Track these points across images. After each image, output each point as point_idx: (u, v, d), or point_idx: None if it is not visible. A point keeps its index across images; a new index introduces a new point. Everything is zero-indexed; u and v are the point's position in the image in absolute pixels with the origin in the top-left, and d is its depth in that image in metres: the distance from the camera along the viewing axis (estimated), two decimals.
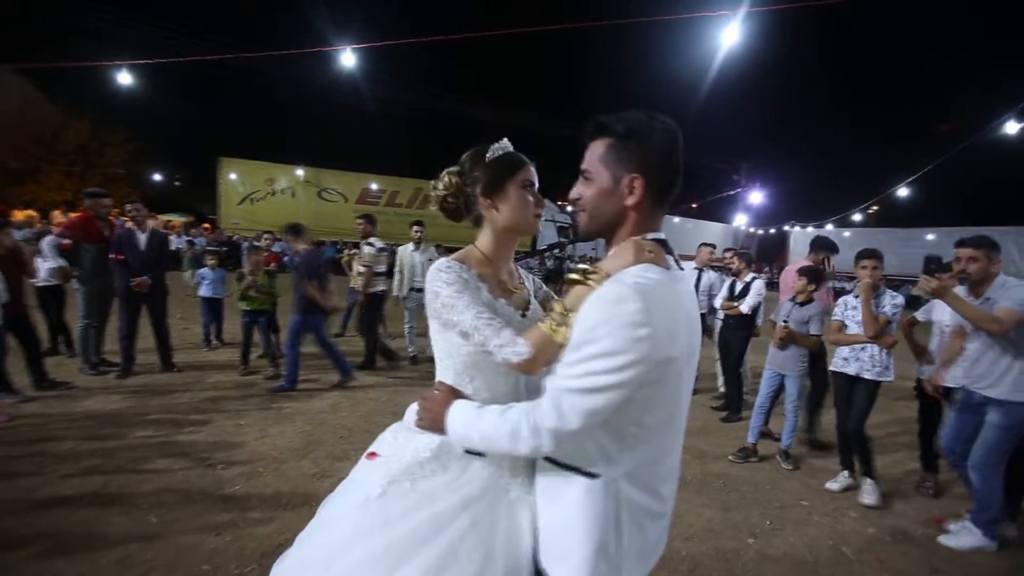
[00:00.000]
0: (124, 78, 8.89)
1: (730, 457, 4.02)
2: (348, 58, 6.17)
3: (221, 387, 4.97)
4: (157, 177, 29.95)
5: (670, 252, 1.09)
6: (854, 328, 3.52)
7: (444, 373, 1.21)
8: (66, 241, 4.87)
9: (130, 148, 25.58)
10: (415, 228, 6.50)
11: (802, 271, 4.03)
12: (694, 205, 29.45)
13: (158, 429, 3.82)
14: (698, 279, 5.77)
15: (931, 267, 2.74)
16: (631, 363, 0.91)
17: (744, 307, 5.00)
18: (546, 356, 1.02)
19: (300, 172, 24.23)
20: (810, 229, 25.70)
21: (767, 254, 29.07)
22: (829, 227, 25.25)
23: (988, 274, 2.77)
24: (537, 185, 1.26)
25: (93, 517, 2.62)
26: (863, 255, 3.48)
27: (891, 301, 3.41)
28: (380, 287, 5.99)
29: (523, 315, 1.26)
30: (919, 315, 3.72)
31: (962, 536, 2.89)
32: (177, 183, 34.41)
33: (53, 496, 2.80)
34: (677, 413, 1.07)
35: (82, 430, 3.70)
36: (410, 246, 6.45)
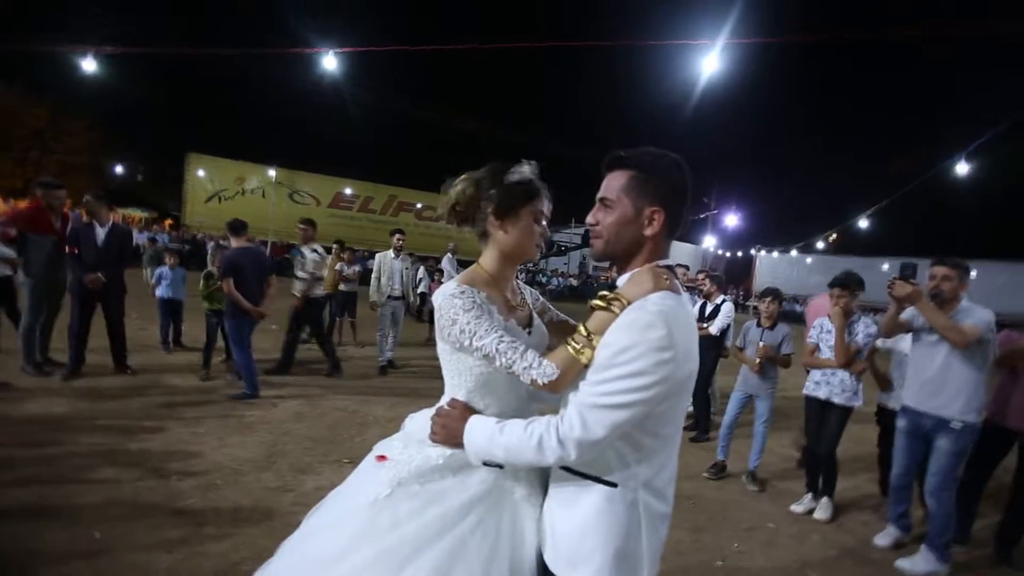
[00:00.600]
0: (88, 64, 8.50)
1: (704, 474, 4.09)
2: (330, 61, 6.09)
3: (178, 392, 4.73)
4: (119, 169, 28.73)
5: (676, 277, 1.18)
6: (827, 352, 3.61)
7: (455, 391, 1.25)
8: (13, 232, 4.56)
9: (91, 136, 24.53)
10: (397, 236, 6.58)
11: (764, 293, 4.18)
12: None
13: (106, 436, 3.58)
14: None
15: (907, 273, 2.84)
16: (655, 383, 1.01)
17: (714, 328, 5.11)
18: (571, 376, 1.11)
19: (272, 173, 23.65)
20: (775, 254, 26.65)
21: (734, 276, 29.96)
22: (793, 253, 26.26)
23: (956, 295, 2.91)
24: (548, 217, 1.29)
25: (29, 532, 2.41)
26: (832, 283, 3.60)
27: (864, 330, 3.50)
28: (319, 292, 5.93)
29: (528, 332, 1.31)
30: (880, 343, 3.86)
31: (917, 560, 2.98)
32: (140, 177, 33.10)
33: None
34: (681, 423, 1.18)
35: (20, 435, 3.44)
36: (391, 253, 6.46)
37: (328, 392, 5.27)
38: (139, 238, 15.03)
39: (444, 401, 1.27)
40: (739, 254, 27.30)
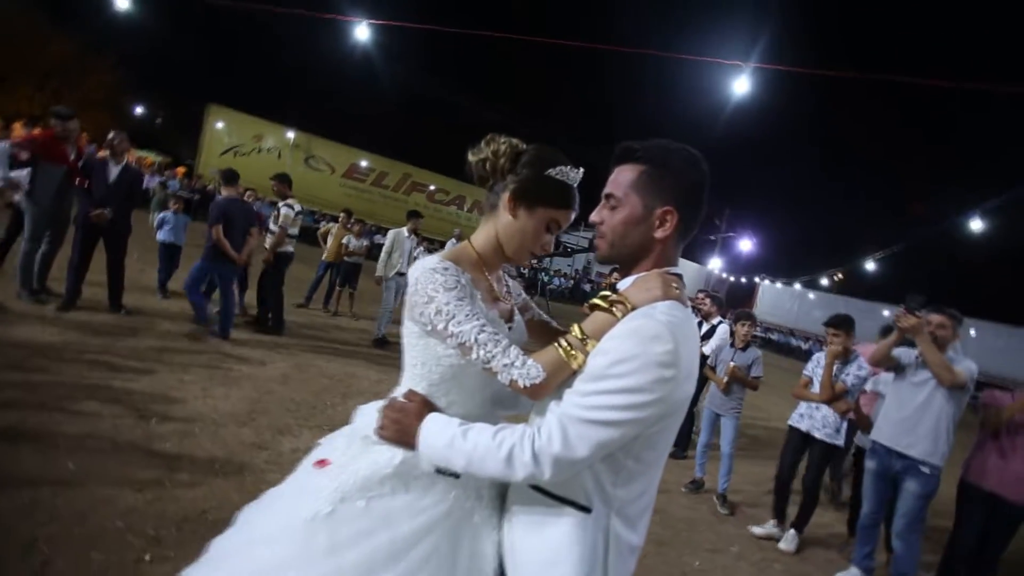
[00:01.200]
0: (122, 2, 8.48)
1: (682, 488, 4.17)
2: (362, 31, 6.05)
3: (169, 337, 4.74)
4: (139, 111, 28.68)
5: (684, 287, 1.07)
6: (818, 387, 3.65)
7: (415, 382, 1.10)
8: (24, 155, 4.54)
9: (115, 75, 24.47)
10: (416, 220, 6.77)
11: (739, 316, 4.32)
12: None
13: (92, 370, 3.60)
14: None
15: (913, 306, 2.89)
16: (652, 402, 0.89)
17: (707, 348, 5.12)
18: (556, 382, 0.97)
19: (291, 135, 23.61)
20: (779, 285, 26.63)
21: (734, 302, 29.95)
22: (797, 286, 26.24)
23: (947, 344, 3.01)
24: (561, 229, 1.16)
25: (4, 452, 2.43)
26: (828, 323, 3.66)
27: (856, 371, 3.53)
28: (289, 248, 5.90)
29: (509, 327, 1.17)
30: (868, 387, 3.91)
31: None
32: (159, 121, 33.03)
33: None
34: (668, 449, 1.04)
35: (6, 358, 3.45)
36: (404, 231, 6.57)
37: (317, 358, 5.28)
38: (150, 181, 15.03)
39: (399, 392, 1.11)
40: (743, 280, 27.30)
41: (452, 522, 1.03)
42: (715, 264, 30.98)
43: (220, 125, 22.85)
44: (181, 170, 22.12)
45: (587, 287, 27.29)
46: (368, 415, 1.12)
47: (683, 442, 5.21)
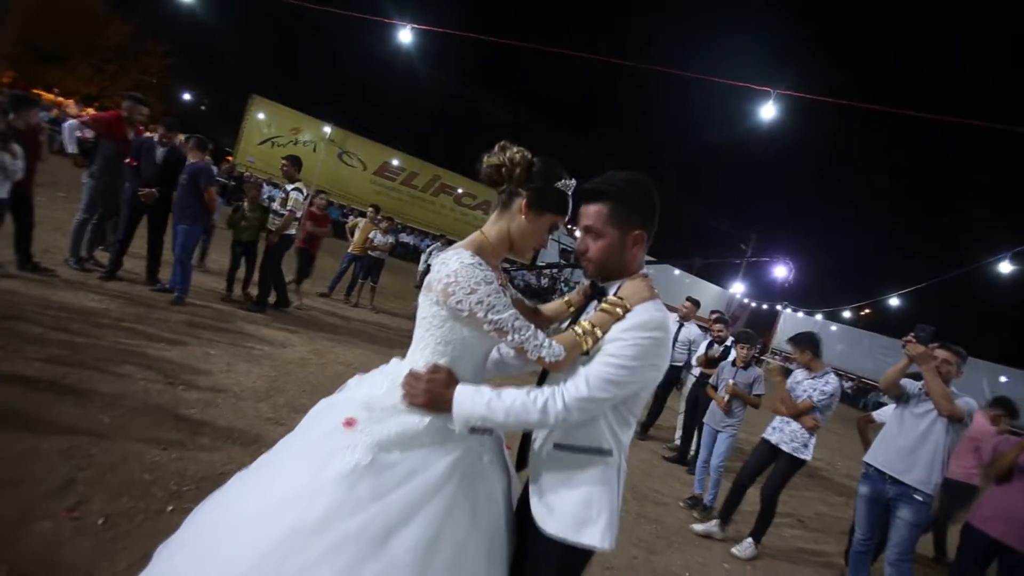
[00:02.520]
0: None
1: (680, 503, 4.26)
2: (405, 35, 6.28)
3: (199, 314, 4.99)
4: (186, 96, 29.80)
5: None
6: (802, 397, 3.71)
7: (434, 356, 1.29)
8: (89, 133, 4.88)
9: (168, 62, 25.52)
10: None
11: (739, 337, 4.46)
12: (699, 261, 29.75)
13: (129, 337, 3.84)
14: (678, 331, 5.91)
15: (921, 335, 2.94)
16: (647, 367, 1.23)
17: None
18: (573, 359, 1.24)
19: (327, 129, 24.21)
20: (800, 314, 26.11)
21: (755, 328, 29.51)
22: (818, 317, 25.70)
23: (950, 379, 3.04)
24: (557, 230, 1.40)
25: (47, 402, 2.65)
26: (788, 340, 3.92)
27: (822, 387, 3.63)
28: (292, 231, 5.92)
29: None
30: (876, 415, 3.92)
31: None
32: (203, 107, 34.25)
33: (13, 373, 2.82)
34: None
35: (54, 319, 3.72)
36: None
37: (336, 345, 5.48)
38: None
39: (419, 366, 1.29)
40: (764, 306, 26.83)
41: (469, 462, 1.26)
42: (737, 288, 30.53)
43: (261, 116, 23.58)
44: (227, 157, 22.89)
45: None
46: (376, 385, 1.33)
47: (685, 452, 5.40)
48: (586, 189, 1.33)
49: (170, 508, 2.18)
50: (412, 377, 1.26)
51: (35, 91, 18.60)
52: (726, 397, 4.18)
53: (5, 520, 1.85)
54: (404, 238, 23.36)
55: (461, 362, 1.30)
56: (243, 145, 23.84)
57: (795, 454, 3.62)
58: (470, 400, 1.20)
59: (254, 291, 5.97)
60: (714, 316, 5.96)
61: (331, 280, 8.28)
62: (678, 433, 5.77)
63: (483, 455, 1.31)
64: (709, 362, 5.36)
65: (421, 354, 1.30)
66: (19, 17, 18.72)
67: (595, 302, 1.40)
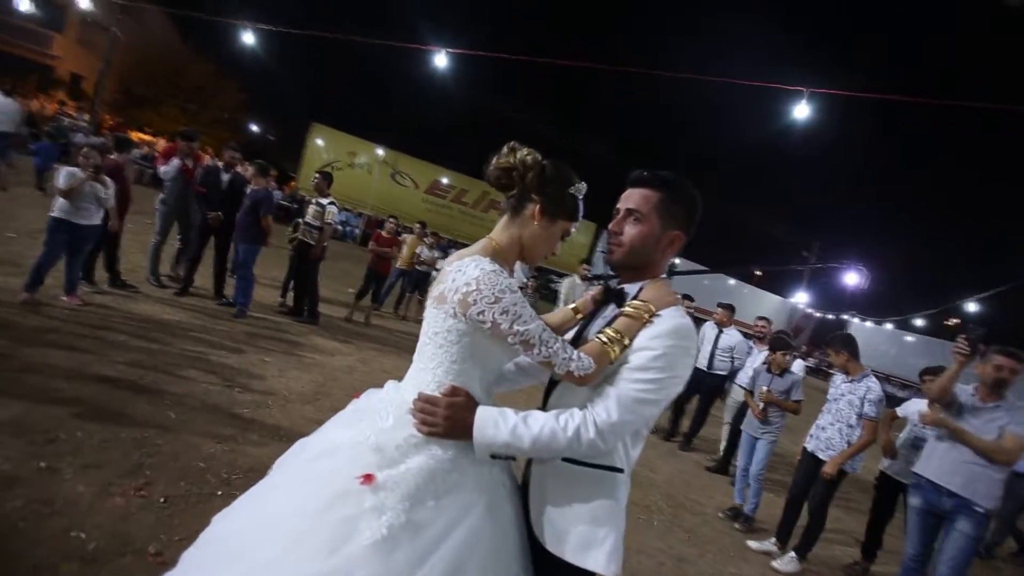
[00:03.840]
0: (248, 37, 9.83)
1: (720, 515, 4.20)
2: (442, 59, 6.64)
3: (259, 325, 5.45)
4: (255, 128, 32.32)
5: None
6: (828, 405, 3.65)
7: (450, 375, 1.17)
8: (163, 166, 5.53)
9: (239, 97, 27.85)
10: (585, 267, 7.16)
11: (774, 344, 4.30)
12: (758, 272, 28.48)
13: (196, 344, 4.28)
14: (717, 337, 5.77)
15: (975, 335, 2.79)
16: (682, 379, 1.17)
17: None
18: (602, 370, 1.15)
19: (380, 152, 25.44)
20: (869, 324, 24.37)
21: (821, 340, 27.78)
22: (888, 326, 23.89)
23: (1008, 386, 2.86)
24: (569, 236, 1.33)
25: (127, 399, 3.04)
26: (829, 342, 3.88)
27: (869, 397, 3.46)
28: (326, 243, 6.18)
29: None
30: (899, 410, 3.79)
31: None
32: (271, 138, 36.96)
33: (101, 374, 3.25)
34: None
35: (135, 329, 4.22)
36: (577, 278, 6.91)
37: (381, 355, 5.79)
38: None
39: (430, 388, 1.17)
40: (829, 316, 25.23)
41: (495, 494, 1.17)
42: (800, 298, 28.94)
43: (320, 142, 25.14)
44: (292, 183, 24.60)
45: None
46: (377, 421, 1.15)
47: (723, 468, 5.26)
48: (646, 173, 1.25)
49: (219, 493, 2.44)
50: (427, 402, 1.13)
51: (130, 131, 20.89)
52: (761, 405, 4.08)
53: (86, 495, 2.16)
54: (453, 252, 23.96)
55: (474, 380, 1.19)
56: (305, 170, 25.45)
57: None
58: (493, 426, 1.10)
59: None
60: (761, 324, 5.77)
61: (380, 294, 8.72)
62: (722, 444, 5.60)
63: (505, 482, 1.22)
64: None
65: (432, 374, 1.18)
66: (118, 67, 21.10)
67: (609, 309, 1.32)
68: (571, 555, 1.15)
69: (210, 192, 5.58)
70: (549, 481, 1.21)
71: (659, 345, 1.14)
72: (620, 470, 1.19)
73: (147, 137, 21.34)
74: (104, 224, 4.59)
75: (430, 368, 1.18)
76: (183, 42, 26.65)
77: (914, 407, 3.78)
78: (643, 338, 1.15)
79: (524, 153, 1.22)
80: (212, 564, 1.02)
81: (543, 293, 19.61)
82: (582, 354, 1.13)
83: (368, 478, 1.03)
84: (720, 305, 5.99)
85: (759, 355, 5.37)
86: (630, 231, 1.25)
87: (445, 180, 28.95)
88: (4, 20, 21.93)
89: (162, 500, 2.27)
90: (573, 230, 1.29)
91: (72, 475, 2.26)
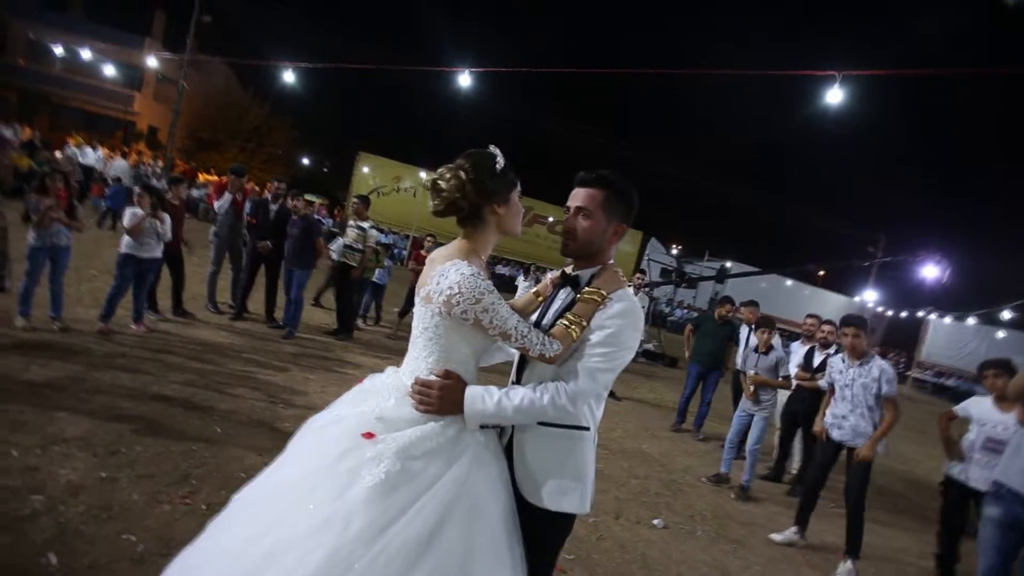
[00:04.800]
0: (289, 76, 10.54)
1: (703, 480, 4.53)
2: (465, 79, 6.87)
3: (305, 345, 5.74)
4: (306, 161, 34.31)
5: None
6: (840, 393, 3.63)
7: (440, 362, 1.35)
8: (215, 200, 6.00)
9: (292, 134, 29.71)
10: (638, 276, 7.23)
11: (758, 323, 4.58)
12: (821, 272, 26.91)
13: (246, 365, 4.57)
14: (747, 337, 5.62)
15: None
16: (631, 350, 1.42)
17: (823, 382, 4.74)
18: (566, 351, 1.36)
19: (423, 175, 26.26)
20: (948, 320, 22.33)
21: (896, 341, 25.80)
22: (971, 321, 21.77)
23: None
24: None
25: (180, 415, 3.29)
26: (844, 321, 3.72)
27: (882, 378, 3.47)
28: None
29: None
30: (958, 410, 3.45)
31: None
32: (325, 169, 39.05)
33: (160, 393, 3.54)
34: None
35: (192, 352, 4.56)
36: (630, 289, 7.08)
37: None
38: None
39: (424, 373, 1.34)
40: (903, 314, 23.26)
41: (479, 453, 1.33)
42: (870, 296, 26.99)
43: (366, 169, 26.28)
44: (338, 210, 25.85)
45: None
46: (380, 400, 1.34)
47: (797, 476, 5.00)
48: (590, 174, 1.45)
49: None
50: (423, 385, 1.32)
51: (199, 173, 22.76)
52: (752, 388, 4.32)
53: (139, 502, 2.36)
54: (500, 269, 24.23)
55: (461, 364, 1.38)
56: (352, 197, 26.71)
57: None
58: (481, 401, 1.31)
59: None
60: (810, 321, 5.48)
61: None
62: (776, 451, 5.31)
63: (490, 445, 1.39)
64: (807, 368, 4.93)
65: (426, 362, 1.36)
66: (186, 116, 23.12)
67: (564, 291, 1.51)
68: (549, 502, 1.38)
69: (259, 222, 5.98)
70: (528, 443, 1.42)
71: (612, 324, 1.37)
72: (587, 428, 1.42)
73: (212, 178, 23.11)
74: (164, 255, 5.02)
75: (423, 356, 1.38)
76: (242, 88, 28.88)
77: (975, 406, 3.44)
78: (599, 319, 1.37)
79: (447, 176, 1.36)
80: (237, 522, 1.23)
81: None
82: (549, 339, 1.33)
83: (369, 435, 1.24)
84: (744, 304, 5.93)
85: (800, 350, 5.13)
86: (581, 225, 1.45)
87: None
88: (95, 85, 24.69)
89: (204, 507, 2.43)
90: (519, 189, 1.44)
91: (128, 484, 2.47)
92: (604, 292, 1.39)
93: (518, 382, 1.49)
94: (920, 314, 22.62)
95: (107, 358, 3.96)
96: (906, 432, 3.78)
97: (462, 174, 1.35)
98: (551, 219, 30.07)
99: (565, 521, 1.45)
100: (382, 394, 1.37)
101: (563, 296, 1.51)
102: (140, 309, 4.78)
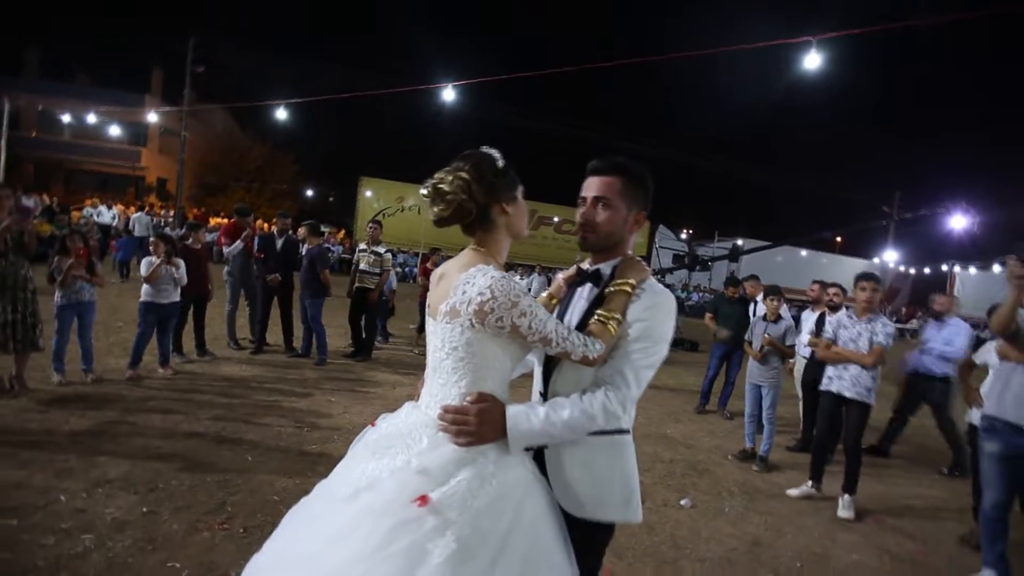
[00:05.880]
0: (281, 113, 10.85)
1: (729, 457, 4.57)
2: (449, 93, 7.06)
3: (326, 369, 5.90)
4: (310, 193, 35.02)
5: None
6: (849, 346, 3.66)
7: (476, 384, 1.20)
8: (224, 241, 6.21)
9: (295, 169, 30.38)
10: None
11: (767, 291, 4.66)
12: (838, 239, 26.50)
13: (270, 394, 4.73)
14: (755, 309, 5.73)
15: None
16: (668, 342, 1.33)
17: (825, 336, 4.76)
18: (608, 350, 1.25)
19: (424, 191, 26.61)
20: (973, 270, 21.73)
21: (923, 299, 25.09)
22: (997, 268, 21.15)
23: None
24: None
25: (211, 448, 3.44)
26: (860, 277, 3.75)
27: (882, 329, 3.58)
28: (371, 285, 6.50)
29: None
30: (976, 358, 3.44)
31: None
32: (331, 199, 39.76)
33: (191, 430, 3.70)
34: None
35: (218, 388, 4.74)
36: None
37: None
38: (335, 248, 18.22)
39: (454, 400, 1.20)
40: (926, 271, 22.69)
41: (525, 474, 1.22)
42: (890, 257, 26.41)
43: (369, 193, 26.74)
44: (340, 234, 26.30)
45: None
46: (410, 448, 1.16)
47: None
48: (604, 162, 1.37)
49: None
50: (456, 413, 1.16)
51: (210, 218, 23.39)
52: (765, 349, 4.42)
53: (179, 532, 2.49)
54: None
55: (496, 383, 1.23)
56: (359, 222, 27.09)
57: (860, 399, 3.57)
58: (526, 420, 1.18)
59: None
60: (816, 287, 5.46)
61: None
62: (802, 422, 5.27)
63: (534, 470, 1.26)
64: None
65: (456, 387, 1.21)
66: (191, 165, 23.86)
67: (582, 288, 1.42)
68: (600, 514, 1.28)
69: (267, 256, 6.18)
70: (566, 454, 1.29)
71: (650, 316, 1.28)
72: (627, 431, 1.33)
73: (221, 221, 23.78)
74: (192, 297, 5.23)
75: (453, 382, 1.21)
76: (242, 130, 29.67)
77: (992, 352, 3.43)
78: (635, 311, 1.28)
79: (448, 180, 1.22)
80: None
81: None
82: (591, 339, 1.21)
83: (423, 499, 1.04)
84: (745, 279, 6.22)
85: (811, 318, 5.16)
86: (602, 216, 1.36)
87: None
88: (103, 146, 25.66)
89: (242, 531, 2.56)
90: (522, 192, 1.33)
91: (168, 516, 2.61)
92: (634, 282, 1.30)
93: (545, 392, 1.35)
94: (944, 268, 22.08)
95: (139, 402, 4.15)
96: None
97: (464, 174, 1.22)
98: (556, 219, 30.17)
99: (606, 533, 1.36)
100: (410, 437, 1.18)
101: (585, 294, 1.41)
102: (165, 353, 4.98)
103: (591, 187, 1.37)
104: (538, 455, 1.32)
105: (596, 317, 1.25)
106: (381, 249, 6.55)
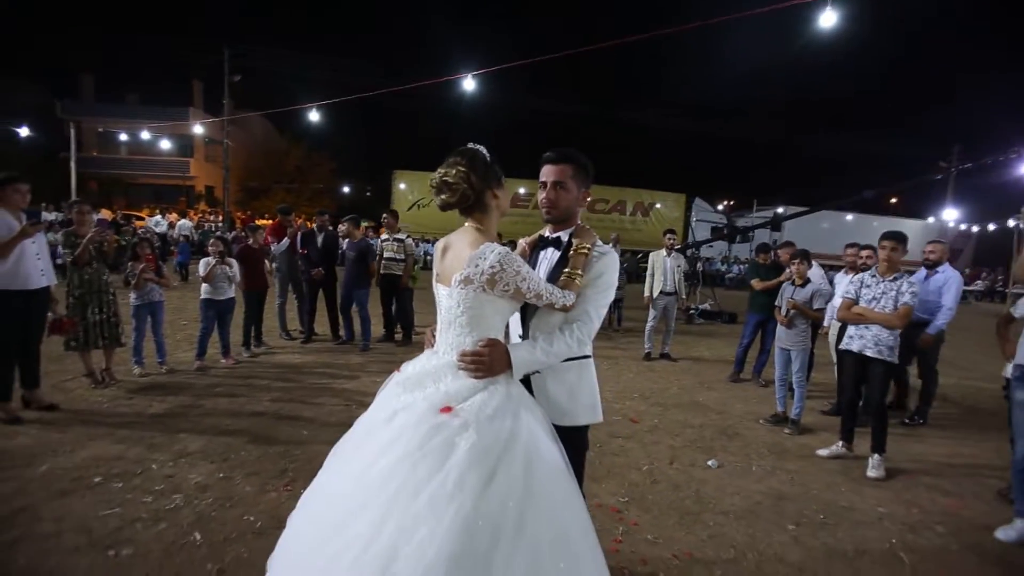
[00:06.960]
0: (315, 115, 11.31)
1: (761, 421, 4.67)
2: (468, 84, 7.21)
3: (370, 355, 6.31)
4: (347, 190, 36.06)
5: None
6: (871, 305, 3.67)
7: (483, 333, 1.53)
8: (270, 239, 6.67)
9: (331, 167, 31.37)
10: (668, 236, 7.03)
11: (793, 255, 4.58)
12: (893, 200, 24.96)
13: (321, 378, 5.15)
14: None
15: None
16: (615, 286, 1.78)
17: (845, 294, 4.72)
18: (575, 298, 1.66)
19: (433, 184, 26.91)
20: None
21: (987, 258, 23.51)
22: None
23: None
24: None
25: (273, 425, 3.85)
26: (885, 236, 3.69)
27: (908, 289, 3.52)
28: (397, 271, 6.69)
29: None
30: (1016, 311, 3.30)
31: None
32: (368, 193, 40.86)
33: (254, 410, 4.14)
34: None
35: (276, 374, 5.20)
36: (663, 252, 6.90)
37: None
38: (373, 241, 18.91)
39: (469, 346, 1.52)
40: (991, 227, 21.12)
41: (522, 396, 1.56)
42: (950, 215, 24.76)
43: (403, 186, 27.29)
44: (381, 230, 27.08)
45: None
46: (438, 383, 1.50)
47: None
48: (557, 153, 1.76)
49: None
50: (473, 355, 1.50)
51: (256, 220, 24.60)
52: (791, 313, 4.43)
53: (252, 492, 2.87)
54: None
55: (499, 331, 1.60)
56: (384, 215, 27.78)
57: (882, 357, 3.59)
58: (528, 355, 1.58)
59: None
60: (851, 251, 5.36)
61: None
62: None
63: (525, 391, 1.60)
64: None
65: (471, 336, 1.53)
66: (235, 171, 25.13)
67: (546, 251, 1.84)
68: (576, 419, 1.73)
69: (310, 252, 6.61)
70: (548, 378, 1.73)
71: (603, 268, 1.72)
72: (590, 356, 1.78)
73: (267, 222, 25.02)
74: (253, 293, 5.78)
75: (466, 334, 1.54)
76: (279, 133, 30.86)
77: None
78: (593, 267, 1.70)
79: (451, 172, 1.55)
80: (348, 526, 1.27)
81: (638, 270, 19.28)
82: (566, 291, 1.62)
83: (447, 408, 1.41)
84: (780, 246, 6.15)
85: (844, 280, 5.05)
86: (561, 196, 1.78)
87: (522, 190, 29.64)
88: (156, 160, 27.36)
89: (303, 492, 2.91)
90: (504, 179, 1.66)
91: (241, 480, 3.00)
92: (591, 246, 1.70)
93: (525, 333, 1.73)
94: (1011, 223, 20.49)
95: (208, 388, 4.64)
96: (998, 352, 3.64)
97: (462, 167, 1.54)
98: (522, 191, 29.63)
99: (583, 434, 1.81)
100: (436, 375, 1.52)
101: (548, 256, 1.82)
102: (227, 344, 5.48)
103: (549, 173, 1.76)
104: (526, 384, 1.68)
105: (565, 274, 1.65)
106: (402, 236, 6.75)
